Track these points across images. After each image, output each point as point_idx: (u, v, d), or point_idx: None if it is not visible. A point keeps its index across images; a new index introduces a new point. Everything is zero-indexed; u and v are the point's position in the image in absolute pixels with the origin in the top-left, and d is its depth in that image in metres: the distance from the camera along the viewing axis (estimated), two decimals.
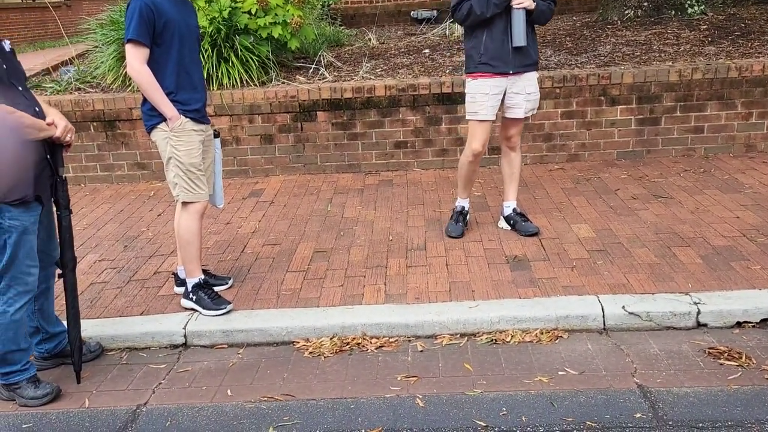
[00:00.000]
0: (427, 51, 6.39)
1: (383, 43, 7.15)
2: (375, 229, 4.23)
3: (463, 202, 4.10)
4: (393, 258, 3.79)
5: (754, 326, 3.00)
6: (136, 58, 2.93)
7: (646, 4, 6.74)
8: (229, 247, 4.07)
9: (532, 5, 3.53)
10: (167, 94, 2.98)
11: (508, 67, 3.65)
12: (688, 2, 6.74)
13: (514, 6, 3.51)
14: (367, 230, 4.22)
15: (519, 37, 3.54)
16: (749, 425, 2.33)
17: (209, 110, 5.27)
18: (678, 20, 6.52)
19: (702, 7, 6.79)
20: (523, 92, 3.72)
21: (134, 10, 2.91)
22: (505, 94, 3.74)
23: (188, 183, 3.13)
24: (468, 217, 4.14)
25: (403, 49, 6.60)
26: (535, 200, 4.56)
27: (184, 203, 3.20)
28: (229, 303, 3.28)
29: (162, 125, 3.04)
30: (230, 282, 3.54)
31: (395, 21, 9.89)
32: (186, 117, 3.05)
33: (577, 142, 5.34)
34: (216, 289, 3.40)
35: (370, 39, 7.14)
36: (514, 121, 3.83)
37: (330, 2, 8.81)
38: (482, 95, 3.70)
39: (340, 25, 8.20)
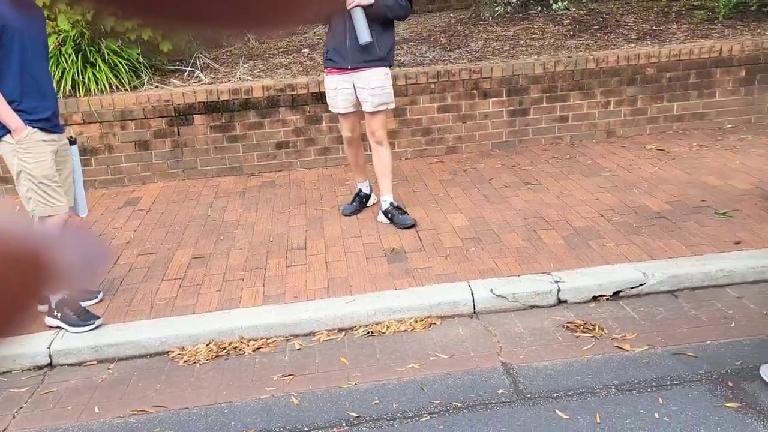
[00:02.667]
0: (306, 50, 6.40)
1: (263, 43, 7.08)
2: (255, 231, 4.20)
3: (360, 185, 4.39)
4: (273, 259, 3.78)
5: (608, 299, 3.24)
6: None
7: (514, 0, 7.06)
8: None
9: (369, 1, 3.61)
10: (10, 103, 2.83)
11: (346, 62, 3.83)
12: None
13: (348, 7, 3.62)
14: (248, 233, 4.19)
15: (361, 34, 3.63)
16: (598, 390, 2.52)
17: (77, 117, 5.06)
18: (544, 16, 6.87)
19: (565, 3, 7.19)
20: (367, 87, 3.86)
21: None
22: (356, 89, 3.90)
23: (43, 196, 2.99)
24: (370, 200, 4.41)
25: (282, 49, 6.57)
26: (414, 193, 4.69)
27: (42, 217, 3.06)
28: (98, 317, 3.17)
29: (7, 137, 2.88)
30: (100, 296, 3.41)
31: None
32: (33, 127, 2.91)
33: (454, 135, 5.52)
34: (85, 304, 3.27)
35: (249, 39, 7.05)
36: (368, 115, 3.99)
37: None
38: (331, 90, 3.95)
39: None
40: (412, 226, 4.04)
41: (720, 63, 5.53)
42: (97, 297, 3.40)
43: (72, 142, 3.19)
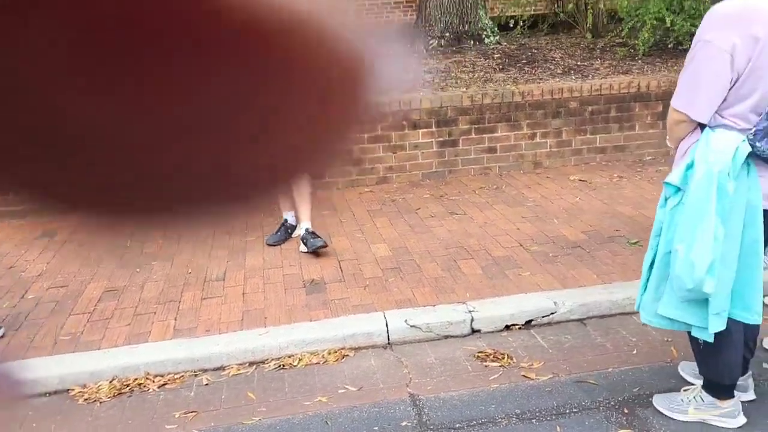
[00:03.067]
0: None
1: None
2: (174, 263, 4.11)
3: (285, 215, 4.38)
4: (189, 291, 3.70)
5: (520, 328, 3.27)
6: None
7: (447, 34, 7.23)
8: (7, 293, 3.77)
9: None
10: None
11: None
12: (485, 33, 7.32)
13: None
14: (166, 265, 4.10)
15: None
16: (499, 420, 2.53)
17: None
18: (476, 49, 7.05)
19: (497, 38, 7.40)
20: None
21: None
22: None
23: None
24: (295, 231, 4.35)
25: None
26: (341, 223, 4.69)
27: None
28: None
29: None
30: (1, 332, 3.27)
31: None
32: None
33: (384, 165, 5.56)
34: None
35: None
36: None
37: None
38: None
39: None
40: (322, 247, 4.02)
41: (639, 98, 5.75)
42: None
43: None
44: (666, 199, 2.29)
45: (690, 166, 2.17)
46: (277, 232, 4.38)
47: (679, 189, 2.21)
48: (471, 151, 5.66)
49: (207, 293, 3.67)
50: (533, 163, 5.75)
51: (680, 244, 2.14)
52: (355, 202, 5.14)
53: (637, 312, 3.26)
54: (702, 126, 2.18)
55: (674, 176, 2.22)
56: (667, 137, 2.41)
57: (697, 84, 2.12)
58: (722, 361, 2.33)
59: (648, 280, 2.39)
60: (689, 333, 2.35)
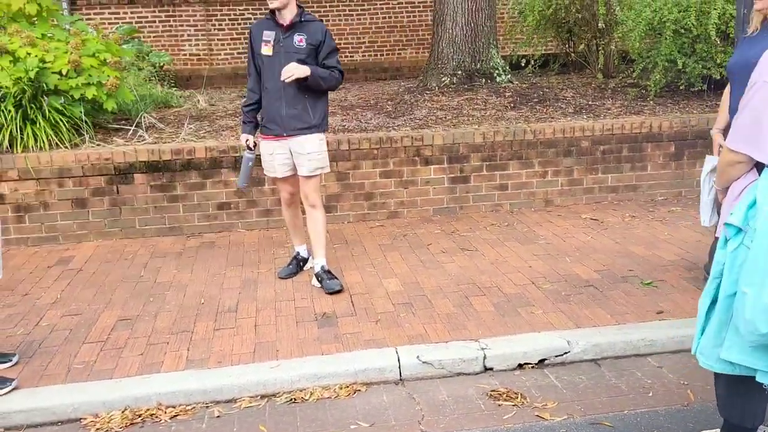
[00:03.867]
0: None
1: (213, 105, 7.16)
2: (187, 293, 4.13)
3: (297, 248, 4.42)
4: (201, 322, 3.71)
5: (533, 367, 3.25)
6: None
7: (460, 72, 7.33)
8: (22, 320, 3.78)
9: (305, 74, 3.78)
10: None
11: (282, 130, 3.97)
12: (497, 72, 7.42)
13: (283, 79, 3.78)
14: (179, 294, 4.11)
15: (240, 180, 4.13)
16: None
17: (12, 174, 4.98)
18: (487, 87, 7.14)
19: (509, 76, 7.50)
20: (303, 152, 3.98)
21: None
22: (292, 154, 4.01)
23: None
24: (307, 264, 4.41)
25: (230, 111, 6.64)
26: (352, 257, 4.70)
27: None
28: (12, 381, 3.03)
29: None
30: (15, 359, 3.28)
31: (232, 83, 9.97)
32: None
33: (396, 200, 5.60)
34: None
35: (198, 101, 7.12)
36: (302, 179, 4.08)
37: (162, 63, 8.71)
38: (268, 155, 4.08)
39: (172, 87, 8.11)
40: (338, 292, 4.02)
41: (650, 138, 5.80)
42: (11, 360, 3.27)
43: None
44: (726, 240, 2.21)
45: (751, 206, 2.11)
46: (289, 265, 4.40)
47: (740, 230, 2.14)
48: (482, 187, 5.70)
49: (219, 324, 3.67)
50: (544, 201, 5.78)
51: (749, 287, 2.04)
52: (366, 237, 5.17)
53: (653, 354, 3.26)
54: (759, 165, 2.18)
55: (735, 217, 2.15)
56: (716, 179, 2.40)
57: (759, 124, 2.10)
58: (750, 403, 2.30)
59: (706, 323, 2.30)
60: (715, 374, 2.32)
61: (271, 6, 3.84)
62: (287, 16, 3.87)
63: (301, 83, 3.83)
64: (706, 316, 2.31)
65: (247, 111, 4.10)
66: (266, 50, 3.90)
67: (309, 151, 3.96)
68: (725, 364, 2.24)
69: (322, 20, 4.18)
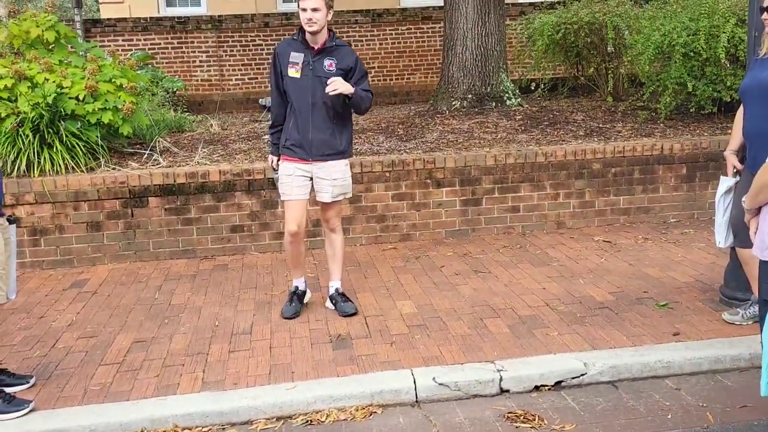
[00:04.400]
0: (266, 137, 6.53)
1: (226, 129, 7.23)
2: (202, 316, 4.14)
3: (297, 282, 4.15)
4: (216, 344, 3.72)
5: (549, 389, 3.23)
6: None
7: (470, 96, 7.39)
8: (38, 343, 3.80)
9: (350, 90, 3.74)
10: None
11: (307, 155, 3.86)
12: (507, 95, 7.48)
13: (328, 92, 3.70)
14: (194, 317, 4.13)
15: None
16: None
17: (28, 197, 5.04)
18: (498, 111, 7.19)
19: (519, 100, 7.55)
20: (329, 178, 3.91)
21: None
22: (314, 179, 3.91)
23: None
24: (306, 296, 4.19)
25: (243, 135, 6.71)
26: (365, 279, 4.71)
27: None
28: (29, 402, 3.04)
29: None
30: (32, 381, 3.29)
31: (243, 108, 10.09)
32: None
33: (408, 222, 5.62)
34: (14, 389, 3.15)
35: (211, 125, 7.20)
36: (324, 205, 4.00)
37: (175, 89, 8.83)
38: (287, 176, 3.91)
39: (185, 112, 8.21)
40: (353, 314, 4.01)
41: (662, 160, 5.81)
42: (29, 382, 3.28)
43: (11, 221, 3.15)
44: None
45: None
46: (291, 303, 4.08)
47: None
48: (494, 210, 5.71)
49: (234, 346, 3.68)
50: (556, 223, 5.78)
51: None
52: (378, 259, 5.18)
53: (670, 376, 3.24)
54: None
55: None
56: (747, 199, 2.40)
57: None
58: None
59: None
60: None
61: (310, 30, 3.71)
62: (320, 40, 3.79)
63: (331, 107, 3.78)
64: None
65: (273, 133, 4.02)
66: (293, 72, 3.79)
67: (335, 177, 3.90)
68: None
69: (350, 46, 4.14)
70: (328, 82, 3.70)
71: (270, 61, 4.05)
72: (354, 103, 3.84)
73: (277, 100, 3.96)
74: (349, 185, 4.07)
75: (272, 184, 5.26)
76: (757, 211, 2.35)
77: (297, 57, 3.81)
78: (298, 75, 3.80)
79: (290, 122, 3.89)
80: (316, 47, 3.81)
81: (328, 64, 3.81)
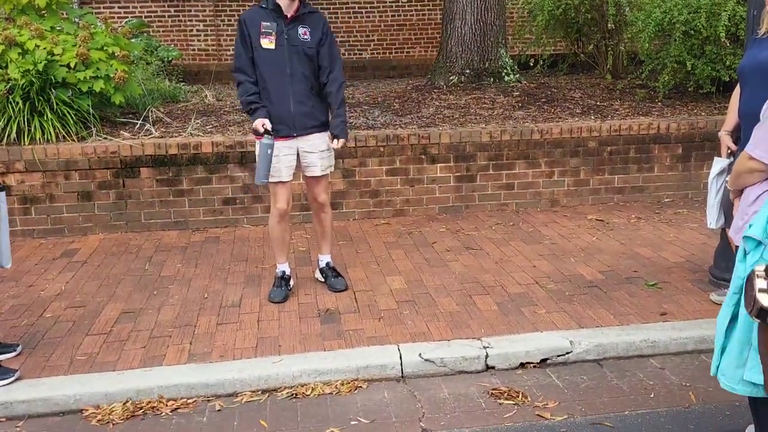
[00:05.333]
0: (248, 103, 6.47)
1: (221, 100, 7.16)
2: (191, 288, 4.14)
3: (282, 267, 4.01)
4: (204, 316, 3.72)
5: (535, 366, 3.24)
6: None
7: (468, 71, 7.31)
8: (26, 312, 3.80)
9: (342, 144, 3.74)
10: None
11: (291, 130, 3.73)
12: (505, 71, 7.40)
13: (336, 147, 3.75)
14: (183, 289, 4.12)
15: (259, 176, 3.64)
16: None
17: (19, 165, 5.01)
18: (495, 87, 7.12)
19: (517, 76, 7.47)
20: (316, 150, 3.82)
21: None
22: (299, 156, 3.83)
23: None
24: (291, 280, 4.06)
25: (238, 107, 6.64)
26: (357, 254, 4.70)
27: None
28: (14, 371, 3.05)
29: None
30: (18, 349, 3.29)
31: None
32: None
33: (402, 198, 5.60)
34: (0, 357, 3.15)
35: (206, 96, 7.13)
36: (313, 179, 3.92)
37: (170, 58, 8.73)
38: (273, 157, 3.66)
39: (180, 82, 8.13)
40: (343, 290, 4.00)
41: (658, 139, 5.77)
42: (15, 350, 3.28)
43: (0, 189, 3.13)
44: (745, 254, 2.17)
45: None
46: (279, 287, 3.94)
47: (760, 243, 2.10)
48: (488, 186, 5.68)
49: (222, 319, 3.68)
50: (550, 201, 5.76)
51: None
52: (371, 234, 5.16)
53: (655, 355, 3.25)
54: None
55: (755, 230, 2.11)
56: (729, 180, 2.39)
57: None
58: None
59: (726, 342, 2.24)
60: (750, 397, 2.25)
61: None
62: (293, 6, 3.62)
63: (309, 76, 3.67)
64: (725, 334, 2.23)
65: (253, 96, 3.65)
66: (267, 44, 3.59)
67: (322, 149, 3.81)
68: (749, 385, 2.17)
69: (322, 12, 3.90)
70: (340, 144, 3.72)
71: (236, 29, 3.75)
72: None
73: (249, 69, 3.65)
74: (333, 157, 3.98)
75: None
76: (740, 192, 2.34)
77: (269, 27, 3.59)
78: (272, 46, 3.60)
79: (266, 99, 3.65)
80: (289, 15, 3.64)
81: (303, 32, 3.64)
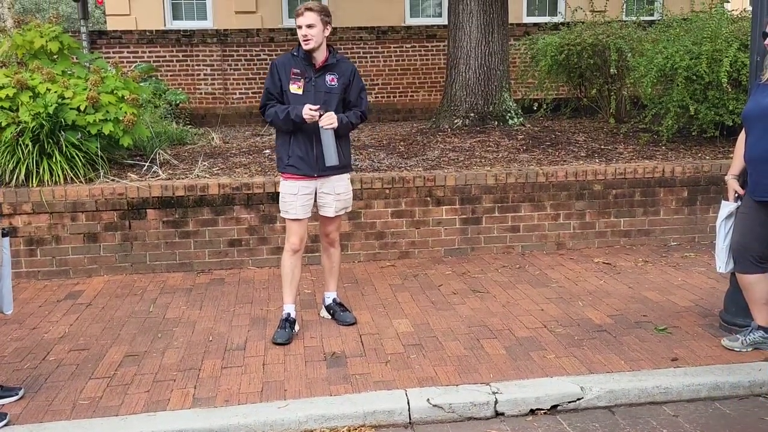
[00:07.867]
0: (267, 151, 6.54)
1: (227, 142, 7.23)
2: (196, 330, 4.10)
3: (288, 308, 3.98)
4: (209, 359, 3.67)
5: (545, 413, 3.18)
6: None
7: (472, 114, 7.39)
8: (29, 355, 3.76)
9: (336, 124, 3.73)
10: None
11: (312, 170, 3.84)
12: (509, 114, 7.48)
13: (322, 126, 3.69)
14: (188, 331, 4.08)
15: (331, 158, 3.69)
16: None
17: (26, 207, 5.03)
18: (500, 130, 7.18)
19: (521, 119, 7.55)
20: (332, 192, 3.92)
21: None
22: (316, 194, 3.91)
23: None
24: (296, 324, 3.99)
25: (244, 149, 6.70)
26: (362, 296, 4.67)
27: None
28: (4, 415, 3.00)
29: None
30: (21, 393, 3.24)
31: (246, 122, 10.10)
32: None
33: (407, 240, 5.59)
34: (3, 401, 3.11)
35: (213, 138, 7.20)
36: (326, 219, 3.99)
37: (178, 101, 8.85)
38: (291, 195, 3.86)
39: (187, 124, 8.22)
40: (353, 323, 4.00)
41: (663, 183, 5.78)
42: (17, 394, 3.24)
43: (4, 233, 3.12)
44: None
45: None
46: (284, 328, 3.91)
47: None
48: (494, 229, 5.68)
49: (227, 362, 3.63)
50: (556, 244, 5.74)
51: None
52: (376, 276, 5.14)
53: (668, 402, 3.18)
54: None
55: None
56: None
57: None
58: None
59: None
60: None
61: (307, 47, 3.72)
62: (320, 57, 3.80)
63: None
64: None
65: (283, 106, 3.78)
66: (296, 89, 3.77)
67: (339, 192, 3.92)
68: None
69: (350, 60, 4.07)
70: (321, 123, 3.68)
71: (268, 72, 3.92)
72: (340, 133, 3.82)
73: (274, 100, 3.83)
74: (351, 199, 4.08)
75: (272, 199, 5.23)
76: None
77: (299, 74, 3.80)
78: (300, 91, 3.78)
79: (291, 138, 3.83)
80: (317, 64, 3.82)
81: (330, 79, 3.83)
